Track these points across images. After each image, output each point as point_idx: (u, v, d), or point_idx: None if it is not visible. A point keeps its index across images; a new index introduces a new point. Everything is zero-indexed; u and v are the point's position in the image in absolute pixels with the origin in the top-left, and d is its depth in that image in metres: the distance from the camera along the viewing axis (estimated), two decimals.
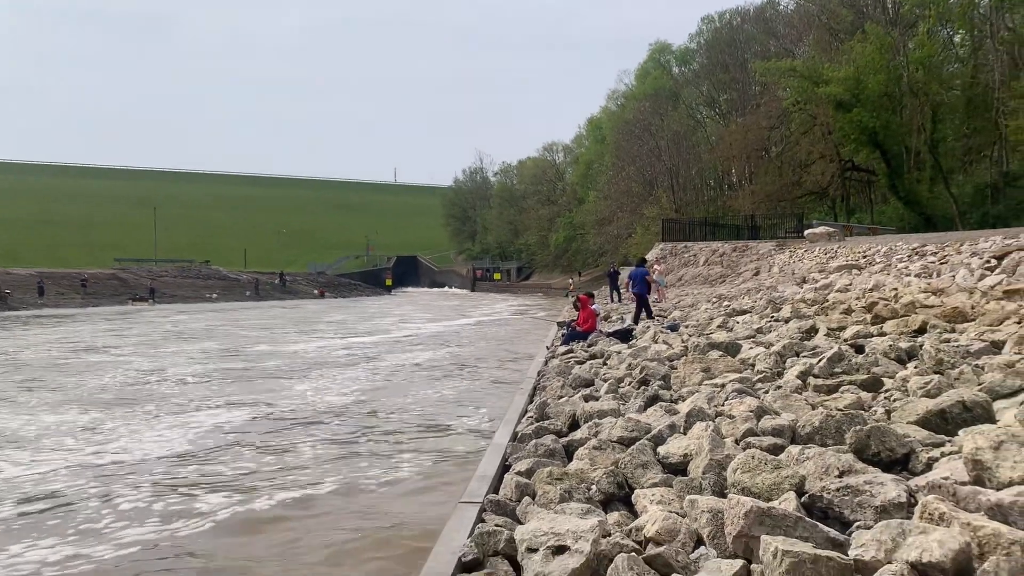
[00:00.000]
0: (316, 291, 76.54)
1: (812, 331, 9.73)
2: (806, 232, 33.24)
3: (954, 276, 13.35)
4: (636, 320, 17.89)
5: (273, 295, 71.04)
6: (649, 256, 41.58)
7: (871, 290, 14.14)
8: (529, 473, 5.20)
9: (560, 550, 3.58)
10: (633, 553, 3.43)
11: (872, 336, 8.76)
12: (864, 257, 21.50)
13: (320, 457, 9.38)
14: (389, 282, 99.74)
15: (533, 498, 4.71)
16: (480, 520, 4.46)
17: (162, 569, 5.92)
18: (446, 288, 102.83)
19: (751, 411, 5.41)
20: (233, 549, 6.33)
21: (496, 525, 4.15)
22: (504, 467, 5.87)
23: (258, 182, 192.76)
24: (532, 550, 3.68)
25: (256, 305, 58.26)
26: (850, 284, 16.35)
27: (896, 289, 13.20)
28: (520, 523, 4.26)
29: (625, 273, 42.33)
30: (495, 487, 5.34)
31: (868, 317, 10.21)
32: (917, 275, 15.04)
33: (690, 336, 12.03)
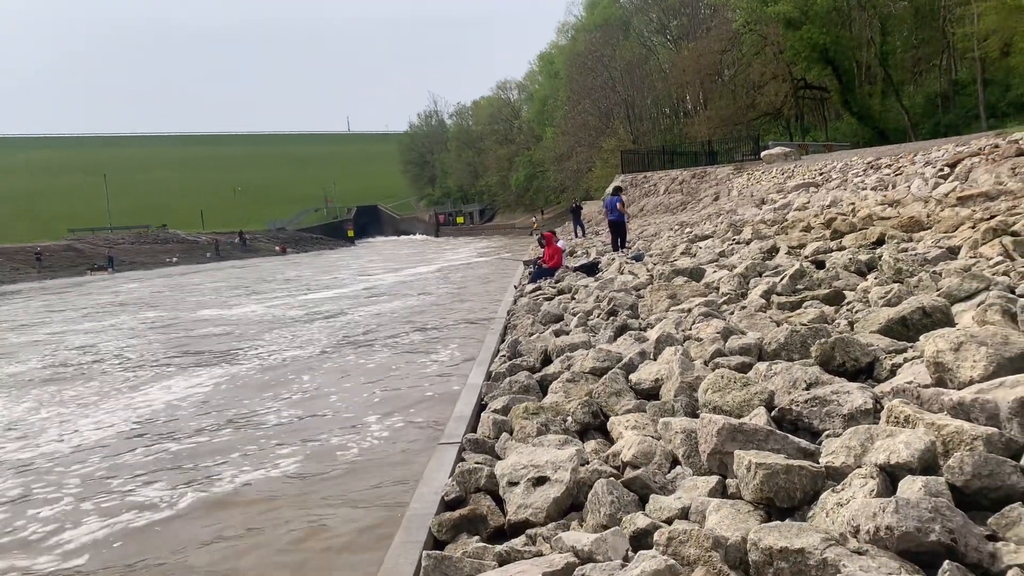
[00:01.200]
0: (277, 248, 75.66)
1: (773, 251, 9.86)
2: (762, 154, 33.39)
3: (909, 187, 13.56)
4: (616, 247, 18.05)
5: (234, 255, 70.08)
6: (609, 189, 41.62)
7: (829, 206, 14.31)
8: (505, 410, 5.26)
9: (540, 481, 3.65)
10: (611, 478, 3.50)
11: (832, 251, 8.90)
12: (821, 175, 21.70)
13: (283, 424, 8.77)
14: (351, 233, 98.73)
15: (511, 434, 4.78)
16: (460, 459, 4.52)
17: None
18: (410, 236, 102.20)
19: (718, 332, 5.50)
20: (207, 527, 5.83)
21: (476, 463, 4.20)
22: (480, 406, 5.93)
23: (208, 140, 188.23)
24: (513, 483, 3.74)
25: (216, 266, 57.34)
26: (808, 202, 16.53)
27: (853, 204, 13.37)
28: (500, 459, 4.32)
29: (591, 207, 42.46)
30: (472, 426, 5.40)
31: (827, 233, 10.36)
32: (873, 188, 15.24)
33: (655, 265, 12.13)
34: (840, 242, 9.43)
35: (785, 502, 2.86)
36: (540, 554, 3.10)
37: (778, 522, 2.59)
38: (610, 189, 23.93)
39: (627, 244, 18.48)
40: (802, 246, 9.78)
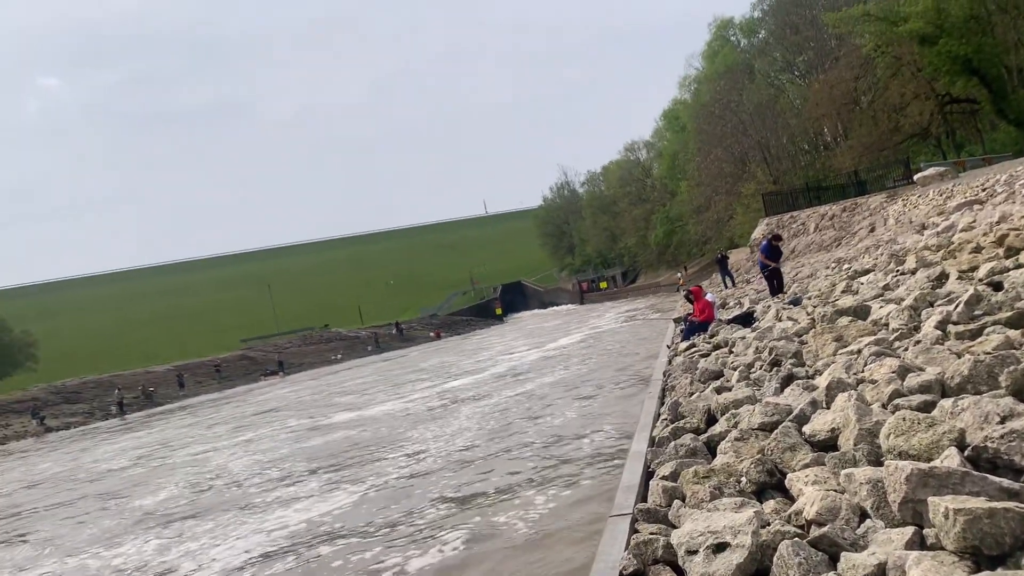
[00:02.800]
0: (432, 333, 77.99)
1: (942, 277, 9.25)
2: (916, 177, 31.67)
3: None
4: (773, 293, 17.55)
5: (393, 345, 72.82)
6: (755, 234, 40.52)
7: (998, 222, 13.32)
8: (674, 476, 5.13)
9: (720, 547, 3.52)
10: (796, 538, 3.33)
11: (1009, 270, 8.25)
12: (984, 190, 20.30)
13: (441, 519, 8.67)
14: (499, 311, 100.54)
15: (683, 500, 4.65)
16: (633, 531, 4.43)
17: None
18: (556, 306, 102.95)
19: (893, 372, 5.19)
20: None
21: (651, 533, 4.11)
22: (648, 474, 5.81)
23: (358, 241, 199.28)
24: (692, 552, 3.62)
25: (376, 359, 59.70)
26: (974, 221, 15.46)
27: None
28: (674, 527, 4.21)
29: (737, 256, 41.41)
30: (642, 496, 5.29)
31: (1000, 251, 9.63)
32: None
33: (815, 307, 11.62)
34: (1016, 259, 8.72)
35: (993, 549, 2.63)
36: None
37: (988, 572, 2.38)
38: (760, 239, 23.23)
39: (784, 289, 17.84)
40: (974, 268, 9.13)
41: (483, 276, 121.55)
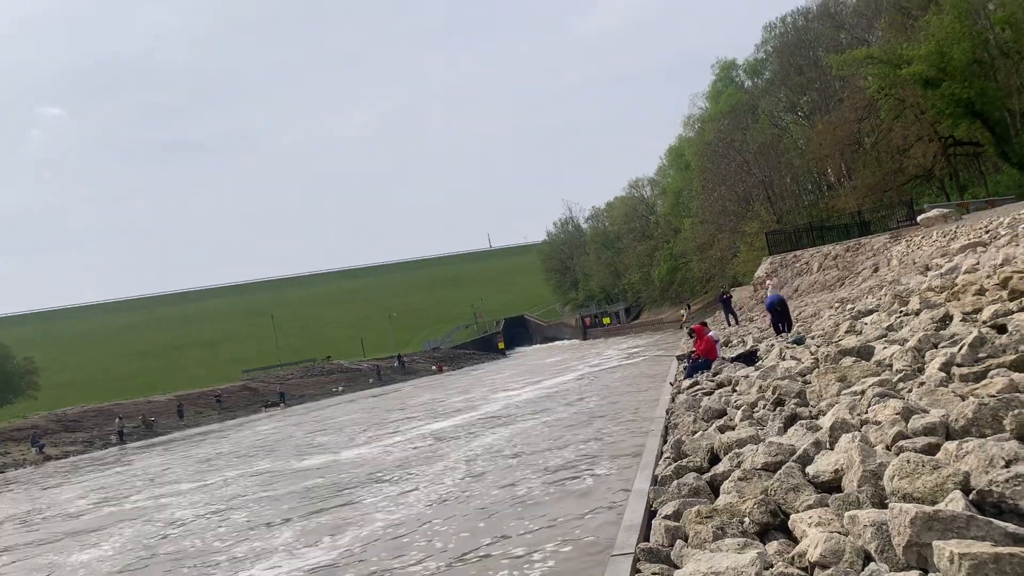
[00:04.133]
0: (434, 367, 77.80)
1: (946, 319, 9.25)
2: (919, 218, 31.78)
3: None
4: (778, 331, 17.59)
5: (395, 378, 72.64)
6: (759, 272, 40.59)
7: (1002, 265, 13.34)
8: (677, 515, 5.10)
9: None
10: None
11: (1013, 313, 8.26)
12: (987, 232, 20.35)
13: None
14: (502, 345, 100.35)
15: (686, 540, 4.62)
16: (636, 570, 4.39)
17: None
18: (559, 341, 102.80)
19: (897, 413, 5.18)
20: None
21: (653, 573, 4.09)
22: (650, 513, 5.77)
23: (361, 273, 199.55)
24: None
25: (373, 392, 59.42)
26: (977, 263, 15.49)
27: None
28: (677, 567, 4.18)
29: (741, 294, 41.46)
30: (644, 535, 5.26)
31: (1004, 294, 9.64)
32: None
33: (818, 347, 11.61)
34: (1020, 302, 8.73)
35: None
36: None
37: None
38: (767, 282, 23.22)
39: (789, 328, 17.83)
40: (978, 311, 9.13)
41: (486, 310, 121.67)
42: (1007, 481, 3.34)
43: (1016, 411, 4.11)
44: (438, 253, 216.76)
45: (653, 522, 5.25)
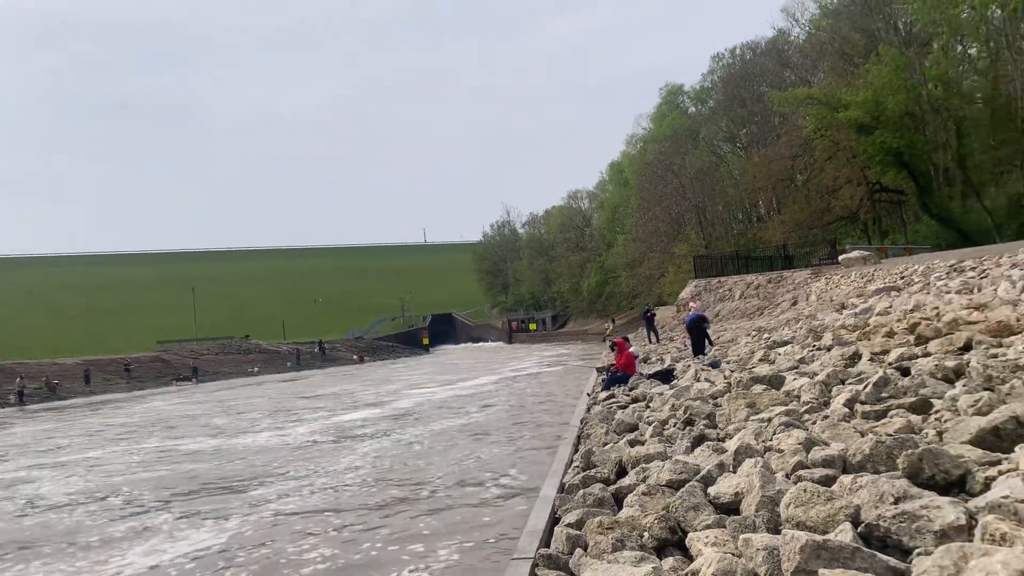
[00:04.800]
0: (355, 356, 76.97)
1: (855, 357, 9.58)
2: (840, 257, 32.90)
3: (996, 290, 13.10)
4: (696, 353, 17.82)
5: (314, 364, 71.60)
6: (683, 294, 41.39)
7: (912, 311, 13.90)
8: (579, 524, 5.16)
9: None
10: None
11: (917, 357, 8.61)
12: (902, 278, 21.18)
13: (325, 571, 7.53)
14: (426, 341, 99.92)
15: (585, 549, 4.67)
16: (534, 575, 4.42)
17: None
18: (484, 342, 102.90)
19: (800, 443, 5.34)
20: None
21: None
22: (554, 520, 5.82)
23: (291, 254, 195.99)
24: None
25: (286, 376, 58.50)
26: (890, 306, 16.10)
27: (937, 308, 12.97)
28: None
29: (664, 313, 42.21)
30: (546, 541, 5.30)
31: (911, 338, 10.04)
32: (958, 292, 14.78)
33: (732, 372, 11.89)
34: (925, 348, 9.12)
35: None
36: None
37: None
38: (691, 304, 23.58)
39: (705, 351, 18.17)
40: (885, 352, 9.49)
41: (414, 304, 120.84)
42: (894, 517, 3.48)
43: (909, 451, 4.28)
44: (372, 242, 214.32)
45: (556, 529, 5.29)
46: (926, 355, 8.63)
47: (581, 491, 6.01)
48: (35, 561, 8.98)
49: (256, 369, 66.29)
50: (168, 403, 37.43)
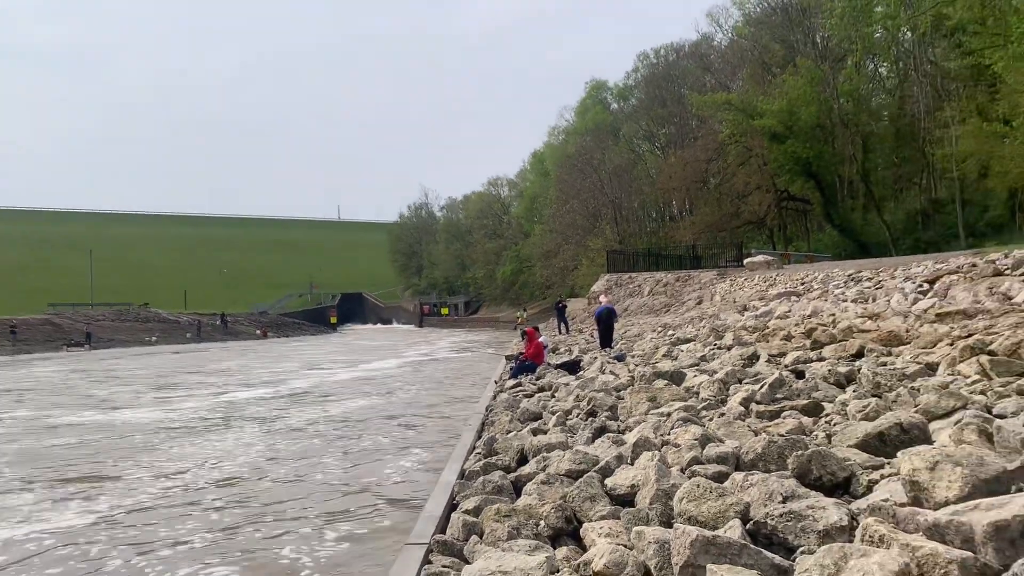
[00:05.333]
0: (258, 331, 75.21)
1: (754, 358, 9.88)
2: (746, 261, 33.94)
3: (889, 301, 13.72)
4: (603, 345, 18.10)
5: (215, 336, 69.63)
6: (595, 287, 41.95)
7: (809, 316, 14.44)
8: (477, 511, 5.14)
9: None
10: None
11: (812, 361, 8.93)
12: (802, 284, 21.99)
13: (207, 551, 7.13)
14: (334, 320, 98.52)
15: (481, 536, 4.65)
16: (427, 561, 4.38)
17: None
18: (393, 324, 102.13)
19: (696, 439, 5.44)
20: None
21: (443, 566, 4.08)
22: (452, 506, 5.79)
23: (196, 222, 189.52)
24: None
25: (187, 348, 56.72)
26: (789, 311, 16.68)
27: (834, 315, 13.50)
28: (468, 563, 4.20)
29: (575, 305, 42.73)
30: (442, 527, 5.26)
31: (807, 343, 10.42)
32: (854, 300, 15.42)
33: (636, 366, 12.11)
34: (820, 352, 9.48)
35: None
36: None
37: None
38: (601, 298, 23.90)
39: (612, 344, 18.47)
40: (782, 354, 9.82)
41: (324, 282, 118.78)
42: (781, 516, 3.58)
43: (799, 452, 4.41)
44: (282, 215, 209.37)
45: (453, 515, 5.26)
46: (820, 359, 8.97)
47: (481, 478, 6.00)
48: None
49: (154, 339, 64.02)
50: (53, 369, 35.54)
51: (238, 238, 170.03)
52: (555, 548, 4.31)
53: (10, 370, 35.75)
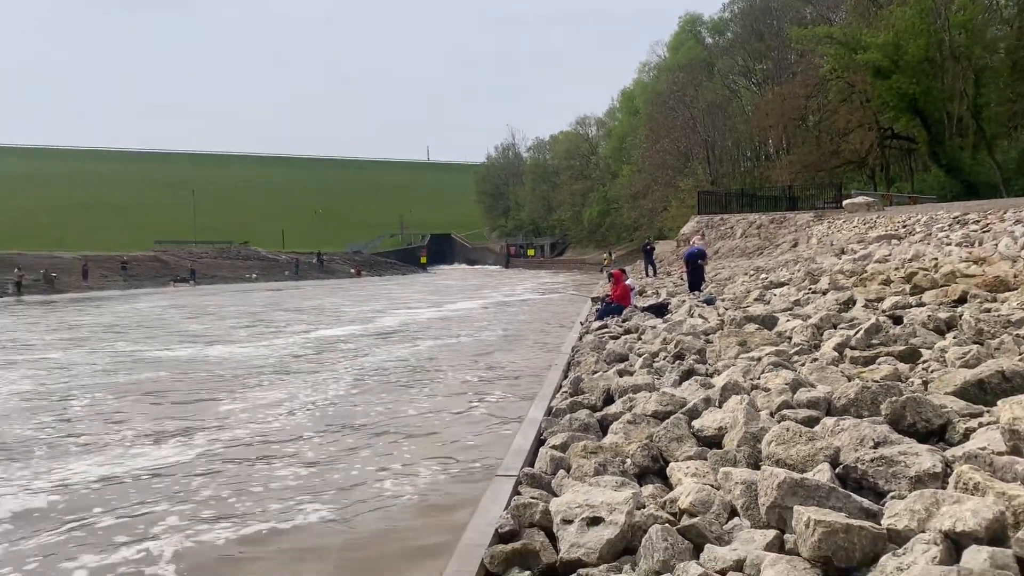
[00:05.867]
0: (353, 270, 77.18)
1: (850, 303, 9.63)
2: (845, 202, 32.74)
3: (996, 244, 13.09)
4: (692, 289, 17.88)
5: (312, 274, 71.86)
6: (684, 229, 41.30)
7: (910, 260, 13.92)
8: (564, 447, 5.26)
9: (595, 521, 3.64)
10: (667, 524, 3.47)
11: (911, 307, 8.66)
12: (904, 227, 21.12)
13: (299, 488, 7.18)
14: (424, 260, 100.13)
15: (568, 471, 4.77)
16: (516, 493, 4.53)
17: None
18: (480, 265, 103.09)
19: (787, 384, 5.41)
20: None
21: (532, 497, 4.21)
22: (539, 441, 5.93)
23: (293, 163, 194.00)
24: (567, 521, 3.74)
25: (284, 285, 58.68)
26: (889, 254, 16.11)
27: (936, 259, 12.98)
28: (555, 495, 4.32)
29: (663, 247, 42.19)
30: (530, 461, 5.41)
31: (907, 288, 10.08)
32: (958, 244, 14.77)
33: (726, 310, 11.97)
34: (920, 298, 9.16)
35: (843, 562, 2.80)
36: None
37: None
38: (695, 239, 23.43)
39: (701, 287, 18.22)
40: (880, 300, 9.54)
41: (414, 223, 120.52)
42: (872, 461, 3.56)
43: (894, 399, 4.34)
44: (374, 156, 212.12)
45: (540, 450, 5.39)
46: (920, 305, 8.68)
47: (568, 416, 6.12)
48: None
49: (254, 276, 66.52)
50: (159, 304, 37.47)
51: (332, 179, 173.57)
52: (641, 486, 4.40)
53: (119, 304, 37.91)
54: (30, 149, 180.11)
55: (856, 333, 6.94)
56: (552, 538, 3.81)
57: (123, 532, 6.21)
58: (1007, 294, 8.45)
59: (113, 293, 49.35)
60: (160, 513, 6.60)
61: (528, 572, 3.57)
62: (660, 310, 14.29)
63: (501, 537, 3.91)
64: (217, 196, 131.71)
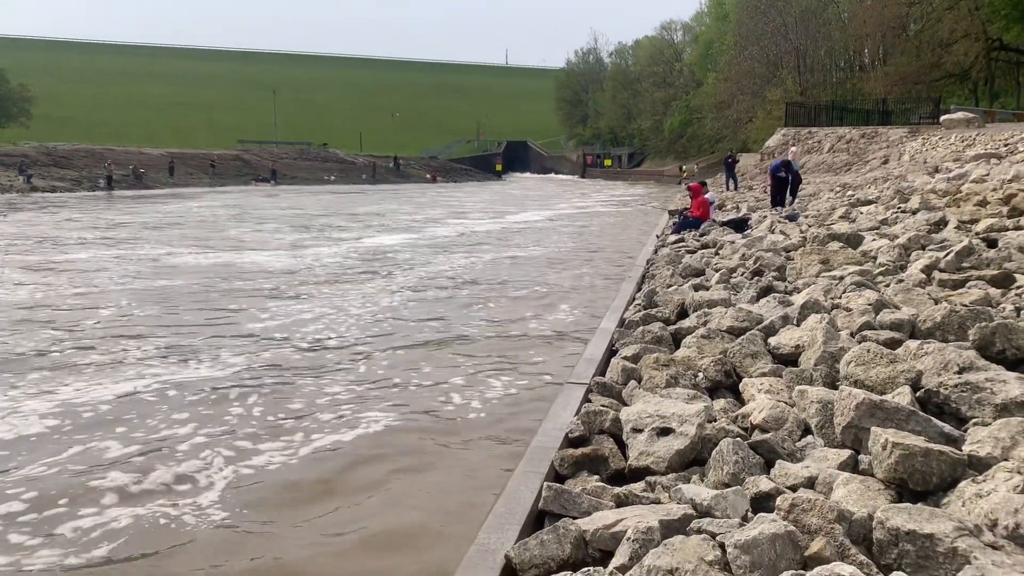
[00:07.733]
0: (428, 175, 77.47)
1: (941, 223, 9.24)
2: (942, 118, 31.01)
3: None
4: (774, 204, 17.33)
5: (388, 178, 72.45)
6: (770, 142, 39.91)
7: (1010, 181, 13.19)
8: (635, 358, 5.27)
9: (664, 432, 3.67)
10: (738, 438, 3.48)
11: (1008, 230, 8.26)
12: (1006, 145, 19.96)
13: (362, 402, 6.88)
14: (499, 167, 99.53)
15: (639, 382, 4.80)
16: (587, 400, 4.59)
17: None
18: (557, 174, 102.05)
19: (870, 304, 5.27)
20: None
21: (602, 405, 4.27)
22: (611, 352, 5.96)
23: (370, 64, 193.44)
24: (637, 430, 3.78)
25: (369, 188, 59.46)
26: (987, 174, 15.29)
27: None
28: (626, 405, 4.36)
29: (747, 160, 40.95)
30: (602, 370, 5.45)
31: (1004, 210, 9.60)
32: None
33: (809, 227, 11.64)
34: (1018, 221, 8.72)
35: (919, 485, 2.76)
36: (658, 502, 3.14)
37: (909, 504, 2.51)
38: (792, 149, 22.47)
39: (784, 203, 17.64)
40: (974, 221, 9.12)
41: (490, 129, 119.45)
42: (956, 386, 3.46)
43: (983, 323, 4.19)
44: (452, 60, 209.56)
45: (612, 360, 5.43)
46: (1018, 228, 8.27)
47: (641, 328, 6.11)
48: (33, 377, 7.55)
49: (332, 178, 67.46)
50: (244, 199, 38.57)
51: (409, 82, 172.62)
52: (712, 399, 4.40)
53: (210, 197, 39.05)
54: (122, 45, 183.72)
55: (946, 255, 6.68)
56: (621, 445, 3.87)
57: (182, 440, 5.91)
58: None
59: (199, 190, 50.84)
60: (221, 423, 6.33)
61: (596, 476, 3.64)
62: (740, 225, 14.00)
63: (571, 442, 3.98)
64: (297, 97, 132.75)
